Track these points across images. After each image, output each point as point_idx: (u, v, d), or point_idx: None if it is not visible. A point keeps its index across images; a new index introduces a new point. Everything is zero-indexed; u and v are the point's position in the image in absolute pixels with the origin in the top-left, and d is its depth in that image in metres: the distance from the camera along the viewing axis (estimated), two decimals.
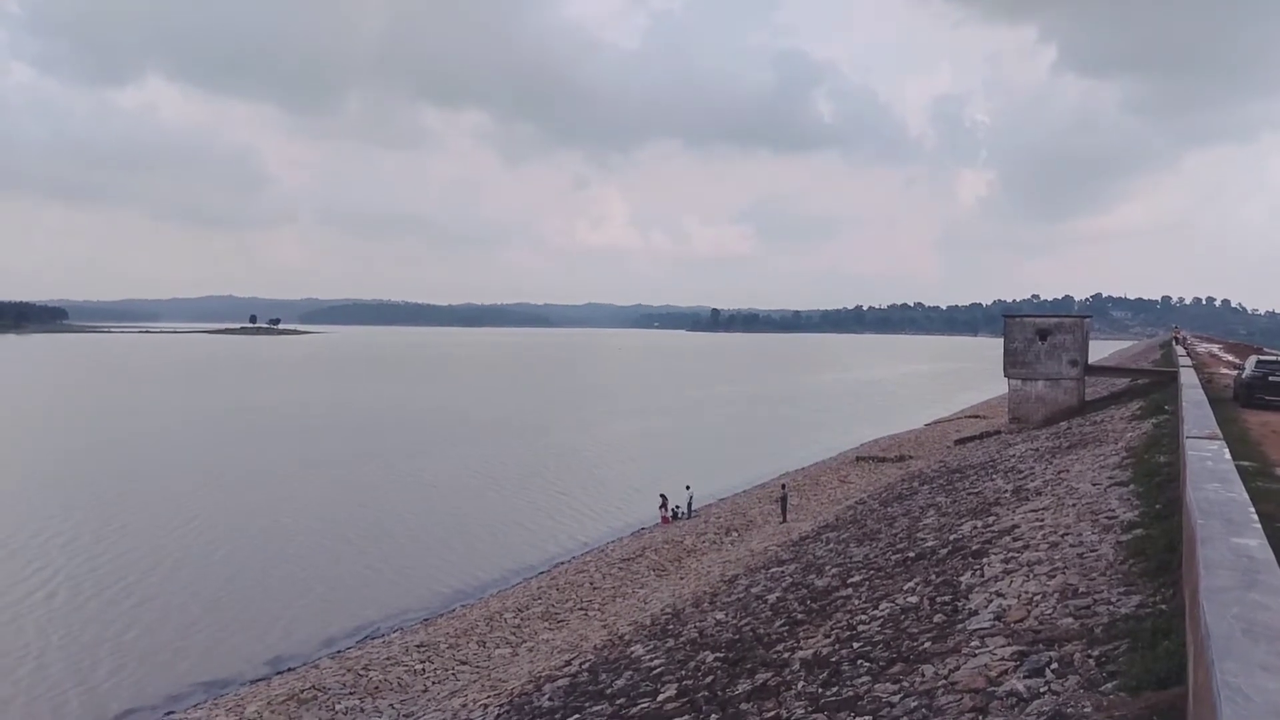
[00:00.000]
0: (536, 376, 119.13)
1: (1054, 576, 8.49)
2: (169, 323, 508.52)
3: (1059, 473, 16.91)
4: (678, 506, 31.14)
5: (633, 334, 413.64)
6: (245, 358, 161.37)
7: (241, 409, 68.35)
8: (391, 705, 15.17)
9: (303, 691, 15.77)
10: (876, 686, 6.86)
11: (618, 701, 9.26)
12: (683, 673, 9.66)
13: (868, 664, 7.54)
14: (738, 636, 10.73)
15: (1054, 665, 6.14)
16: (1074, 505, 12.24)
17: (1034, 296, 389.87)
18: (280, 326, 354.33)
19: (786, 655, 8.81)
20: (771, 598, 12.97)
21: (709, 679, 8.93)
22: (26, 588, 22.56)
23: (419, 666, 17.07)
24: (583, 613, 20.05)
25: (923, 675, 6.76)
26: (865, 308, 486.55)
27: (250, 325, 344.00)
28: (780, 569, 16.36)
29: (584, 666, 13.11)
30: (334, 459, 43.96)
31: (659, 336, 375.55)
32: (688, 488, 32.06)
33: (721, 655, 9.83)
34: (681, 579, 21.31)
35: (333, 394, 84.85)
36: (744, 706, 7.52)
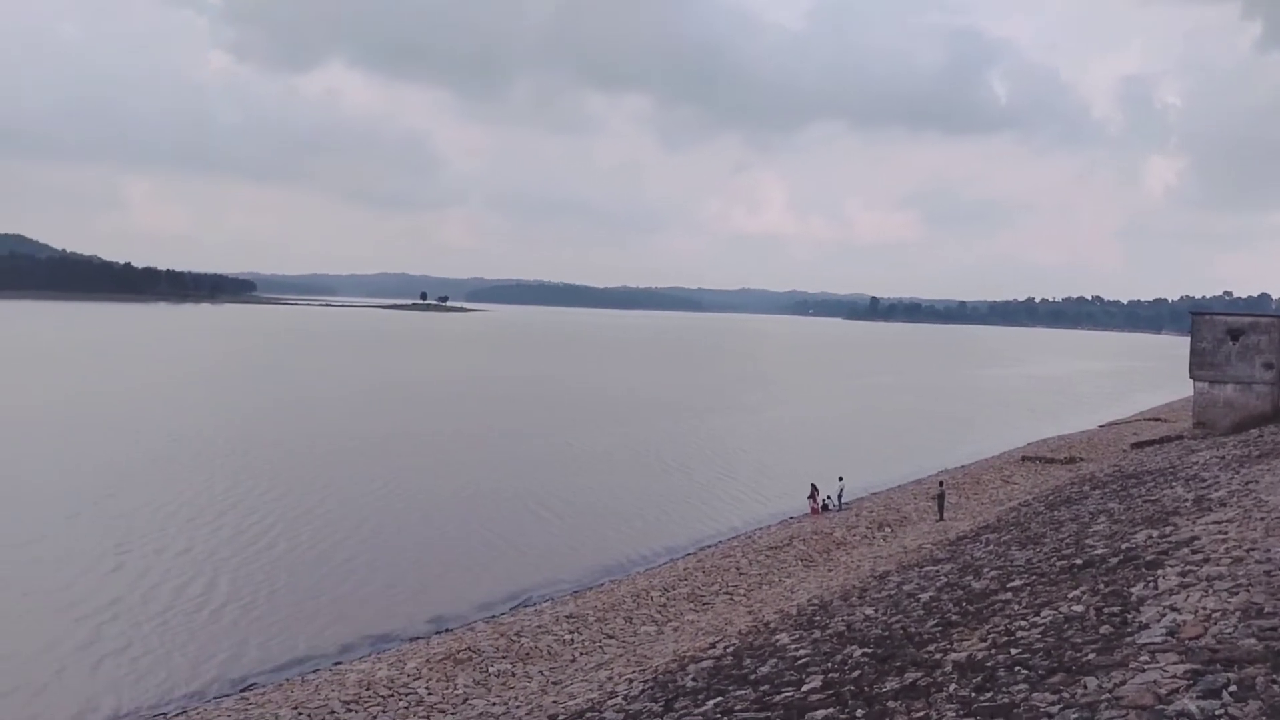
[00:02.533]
0: (690, 360, 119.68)
1: (1236, 594, 7.90)
2: (346, 297, 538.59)
3: (1247, 483, 15.67)
4: (828, 497, 30.69)
5: (787, 321, 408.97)
6: (416, 332, 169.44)
7: (411, 381, 71.82)
8: (541, 672, 15.69)
9: (459, 652, 16.53)
10: (1034, 696, 6.60)
11: (761, 688, 9.26)
12: (828, 665, 9.57)
13: (1026, 671, 7.25)
14: (887, 633, 10.53)
15: (1232, 688, 5.73)
16: (1263, 519, 11.34)
17: (1226, 293, 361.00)
18: (448, 304, 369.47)
19: (938, 656, 8.58)
20: (924, 596, 12.64)
21: (855, 674, 8.81)
22: (211, 543, 24.52)
23: (568, 637, 17.58)
24: (728, 597, 20.11)
25: (1085, 687, 6.45)
26: (1037, 300, 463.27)
27: (420, 302, 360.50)
28: (935, 568, 15.89)
29: (728, 650, 13.17)
30: (497, 431, 45.64)
31: (814, 324, 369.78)
32: (840, 479, 31.54)
33: (869, 651, 9.68)
34: (830, 571, 21.04)
35: (495, 369, 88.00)
36: (891, 705, 7.39)
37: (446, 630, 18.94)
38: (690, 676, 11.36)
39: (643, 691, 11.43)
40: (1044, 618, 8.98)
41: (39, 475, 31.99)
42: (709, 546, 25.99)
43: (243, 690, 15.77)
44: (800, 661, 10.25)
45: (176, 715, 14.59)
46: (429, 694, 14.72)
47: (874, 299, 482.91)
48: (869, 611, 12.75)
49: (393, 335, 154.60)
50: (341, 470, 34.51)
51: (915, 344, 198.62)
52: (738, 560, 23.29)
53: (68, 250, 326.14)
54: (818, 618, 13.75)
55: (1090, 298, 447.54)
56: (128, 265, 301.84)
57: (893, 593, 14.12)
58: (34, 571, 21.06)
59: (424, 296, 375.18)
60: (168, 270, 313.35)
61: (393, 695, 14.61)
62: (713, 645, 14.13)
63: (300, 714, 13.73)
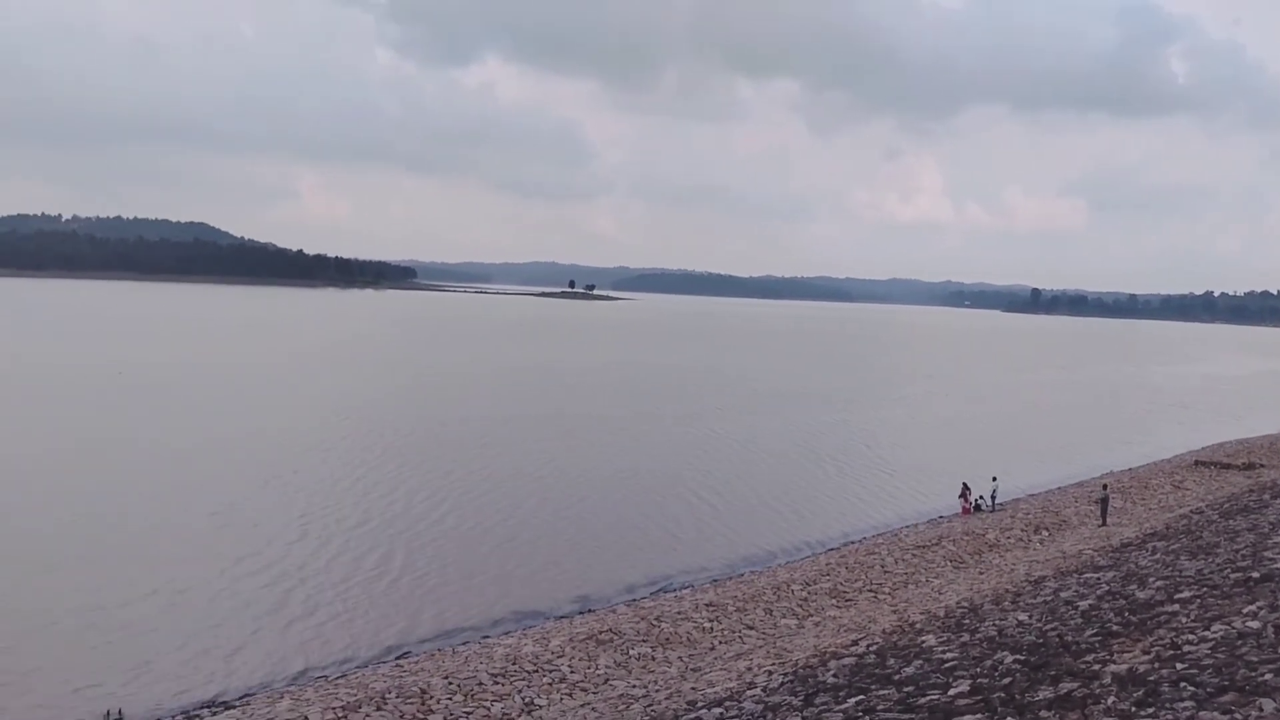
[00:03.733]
0: (840, 351, 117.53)
1: None
2: (499, 284, 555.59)
3: None
4: (981, 497, 29.58)
5: (941, 313, 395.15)
6: (563, 319, 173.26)
7: (560, 366, 73.50)
8: (680, 658, 15.86)
9: (601, 633, 16.89)
10: (1201, 714, 6.21)
11: (905, 689, 9.07)
12: (977, 670, 9.28)
13: (1192, 689, 6.83)
14: (1041, 640, 10.10)
15: None
16: None
17: None
18: (595, 292, 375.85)
19: (1096, 667, 8.18)
20: (1083, 604, 12.05)
21: (1006, 680, 8.51)
22: (384, 517, 25.86)
23: (707, 625, 17.67)
24: (872, 595, 19.73)
25: (1260, 710, 6.02)
26: (1216, 294, 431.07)
27: (569, 290, 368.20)
28: (1096, 575, 15.11)
29: (871, 648, 12.94)
30: (647, 416, 46.20)
31: (971, 316, 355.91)
32: (994, 479, 30.33)
33: (1022, 658, 9.32)
34: (981, 574, 20.32)
35: (641, 356, 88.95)
36: (1044, 715, 7.10)
37: (589, 611, 19.38)
38: (831, 673, 11.24)
39: (782, 684, 11.39)
40: (1215, 633, 8.42)
41: (234, 446, 34.57)
42: (853, 542, 25.54)
43: (398, 657, 16.61)
44: (947, 665, 9.98)
45: (337, 678, 15.48)
46: (571, 672, 15.12)
47: (1035, 290, 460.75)
48: (1022, 617, 12.27)
49: (541, 321, 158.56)
50: (499, 449, 35.92)
51: (1082, 338, 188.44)
52: (883, 558, 22.80)
53: (245, 238, 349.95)
54: (967, 621, 13.32)
55: (1276, 292, 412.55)
56: (300, 252, 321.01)
57: (1049, 599, 13.52)
58: (231, 537, 22.69)
59: (572, 285, 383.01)
60: (335, 257, 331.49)
61: (537, 671, 15.07)
62: (855, 642, 13.92)
63: (450, 683, 14.35)
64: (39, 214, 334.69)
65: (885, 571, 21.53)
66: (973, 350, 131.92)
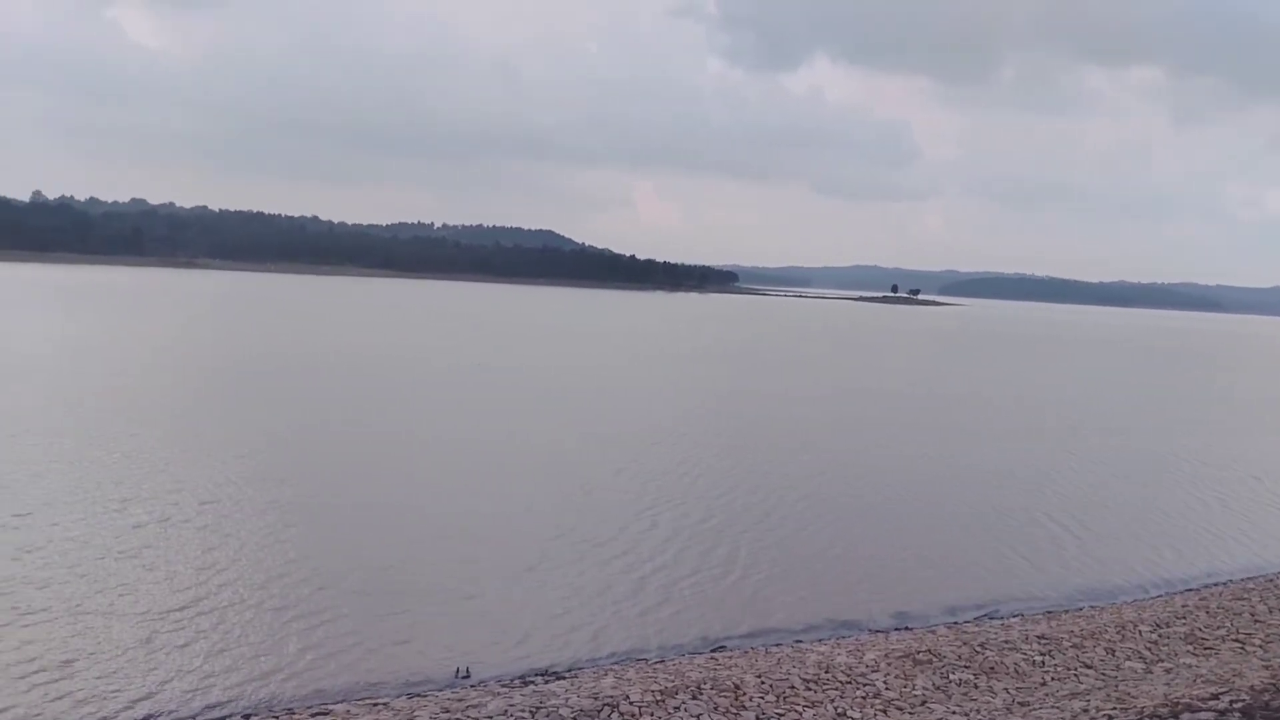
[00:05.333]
0: (1218, 368, 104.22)
1: None
2: (818, 289, 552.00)
3: None
4: None
5: None
6: (882, 325, 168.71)
7: (879, 370, 71.74)
8: (1006, 689, 14.89)
9: (918, 652, 16.28)
10: None
11: None
12: None
13: None
14: None
15: None
16: None
17: None
18: (919, 297, 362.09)
19: None
20: None
21: None
22: (725, 514, 26.63)
23: (1038, 658, 16.44)
24: (1238, 645, 17.31)
25: None
26: None
27: (890, 295, 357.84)
28: None
29: (1235, 705, 11.40)
30: (985, 430, 43.96)
31: None
32: None
33: None
34: None
35: (960, 368, 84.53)
36: None
37: (906, 628, 18.75)
38: None
39: None
40: None
41: (587, 438, 37.31)
42: (1217, 584, 22.55)
43: (713, 650, 17.07)
44: None
45: (656, 662, 16.20)
46: (886, 689, 14.71)
47: None
48: None
49: (858, 326, 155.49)
50: (828, 453, 35.99)
51: None
52: (1253, 604, 19.92)
53: (585, 244, 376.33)
54: None
55: None
56: (632, 257, 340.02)
57: None
58: (592, 525, 24.26)
59: (894, 289, 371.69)
60: (664, 262, 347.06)
61: (850, 683, 14.84)
62: (1215, 696, 12.32)
63: (764, 682, 14.52)
64: (415, 221, 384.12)
65: (1257, 621, 18.79)
66: None
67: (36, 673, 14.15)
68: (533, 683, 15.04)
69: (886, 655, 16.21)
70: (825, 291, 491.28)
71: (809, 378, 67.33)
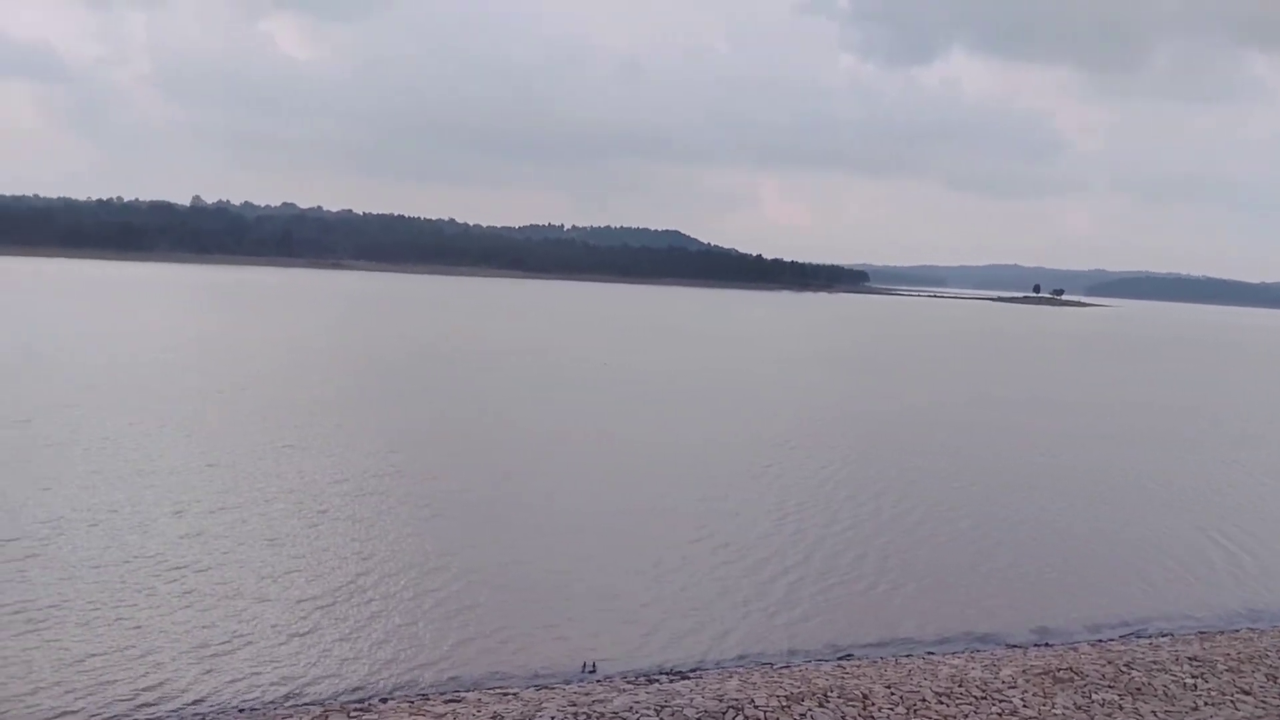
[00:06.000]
0: None
1: None
2: (953, 289, 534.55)
3: None
4: None
5: None
6: (1031, 326, 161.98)
7: (1024, 375, 68.94)
8: (1154, 712, 14.08)
9: (1059, 670, 15.59)
10: None
11: None
12: None
13: None
14: None
15: None
16: None
17: None
18: (1063, 298, 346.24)
19: None
20: None
21: None
22: (873, 520, 26.29)
23: (1189, 681, 15.49)
24: None
25: None
26: None
27: (1032, 295, 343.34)
28: None
29: None
30: (1161, 436, 41.83)
31: None
32: None
33: None
34: None
35: (1114, 373, 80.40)
36: None
37: (1046, 644, 17.98)
38: None
39: None
40: None
41: (718, 436, 37.55)
42: None
43: (840, 658, 16.80)
44: None
45: (781, 667, 16.06)
46: (1024, 706, 14.14)
47: None
48: None
49: (998, 328, 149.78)
50: (970, 460, 35.05)
51: None
52: None
53: (711, 244, 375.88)
54: None
55: None
56: (759, 257, 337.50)
57: None
58: (725, 527, 24.28)
59: (1036, 289, 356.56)
60: (791, 262, 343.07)
61: (985, 698, 14.34)
62: None
63: (893, 694, 14.19)
64: (546, 223, 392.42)
65: None
66: None
67: (200, 648, 15.19)
68: (657, 681, 15.14)
69: (1024, 671, 15.59)
70: (961, 291, 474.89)
71: (950, 382, 65.38)
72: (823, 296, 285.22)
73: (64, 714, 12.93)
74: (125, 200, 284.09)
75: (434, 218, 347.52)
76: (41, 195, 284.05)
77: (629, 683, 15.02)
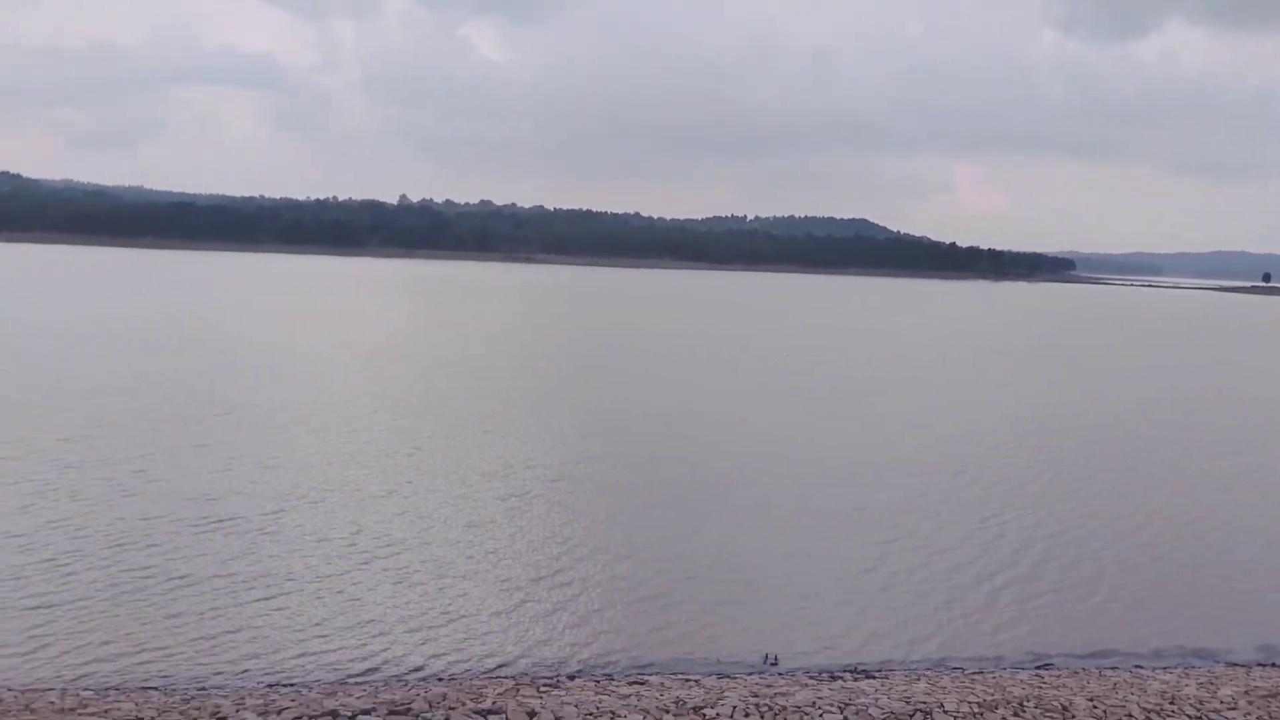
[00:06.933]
0: None
1: None
2: (1170, 277, 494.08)
3: None
4: None
5: None
6: (1267, 318, 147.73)
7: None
8: None
9: None
10: None
11: None
12: None
13: None
14: None
15: None
16: None
17: None
18: None
19: None
20: None
21: None
22: (1056, 523, 25.17)
23: None
24: None
25: None
26: None
27: (1261, 285, 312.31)
28: None
29: None
30: None
31: None
32: None
33: None
34: None
35: None
36: None
37: (1273, 665, 16.53)
38: None
39: None
40: None
41: (915, 432, 36.74)
42: None
43: (1038, 667, 16.09)
44: None
45: (973, 673, 15.57)
46: None
47: None
48: None
49: (1226, 321, 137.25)
50: (1207, 468, 32.51)
51: None
52: None
53: (901, 232, 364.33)
54: None
55: None
56: (952, 245, 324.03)
57: None
58: (921, 527, 23.71)
59: (1267, 278, 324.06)
60: (988, 249, 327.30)
61: (1200, 718, 13.39)
62: None
63: (1096, 707, 13.48)
64: (729, 215, 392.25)
65: None
66: None
67: (409, 619, 16.42)
68: (841, 678, 15.04)
69: (1247, 692, 14.42)
70: (1180, 280, 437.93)
71: (1170, 379, 60.80)
72: (1022, 286, 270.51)
73: (297, 674, 14.32)
74: (339, 199, 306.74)
75: (620, 211, 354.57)
76: (266, 196, 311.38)
77: (811, 678, 14.99)
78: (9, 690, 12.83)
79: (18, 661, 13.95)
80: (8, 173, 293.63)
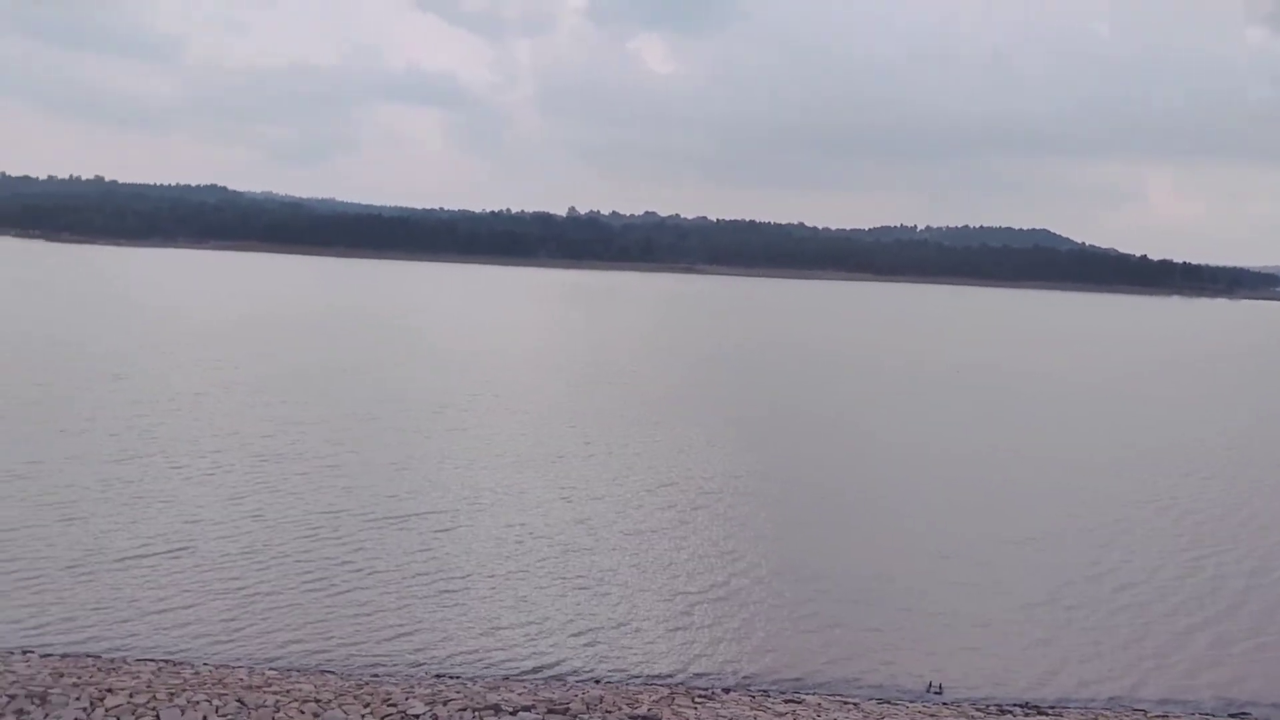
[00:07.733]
0: None
1: None
2: None
3: None
4: None
5: None
6: None
7: None
8: None
9: None
10: None
11: None
12: None
13: None
14: None
15: None
16: None
17: None
18: None
19: None
20: None
21: None
22: (1226, 553, 23.42)
23: None
24: None
25: None
26: None
27: None
28: None
29: None
30: None
31: None
32: None
33: None
34: None
35: None
36: None
37: None
38: None
39: None
40: None
41: (1105, 455, 35.07)
42: None
43: (1232, 714, 14.94)
44: None
45: (1156, 716, 14.61)
46: None
47: None
48: None
49: None
50: None
51: None
52: None
53: (1085, 243, 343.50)
54: None
55: None
56: (1143, 258, 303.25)
57: None
58: (1109, 558, 22.45)
59: None
60: (1183, 263, 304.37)
61: None
62: None
63: None
64: (898, 225, 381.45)
65: None
66: None
67: (574, 622, 16.93)
68: (1010, 712, 14.41)
69: None
70: None
71: None
72: (1221, 303, 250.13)
73: (464, 667, 15.02)
74: (512, 212, 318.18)
75: (784, 222, 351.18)
76: (445, 208, 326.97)
77: (978, 709, 14.42)
78: (205, 665, 14.08)
79: (213, 640, 15.27)
80: (215, 185, 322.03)
